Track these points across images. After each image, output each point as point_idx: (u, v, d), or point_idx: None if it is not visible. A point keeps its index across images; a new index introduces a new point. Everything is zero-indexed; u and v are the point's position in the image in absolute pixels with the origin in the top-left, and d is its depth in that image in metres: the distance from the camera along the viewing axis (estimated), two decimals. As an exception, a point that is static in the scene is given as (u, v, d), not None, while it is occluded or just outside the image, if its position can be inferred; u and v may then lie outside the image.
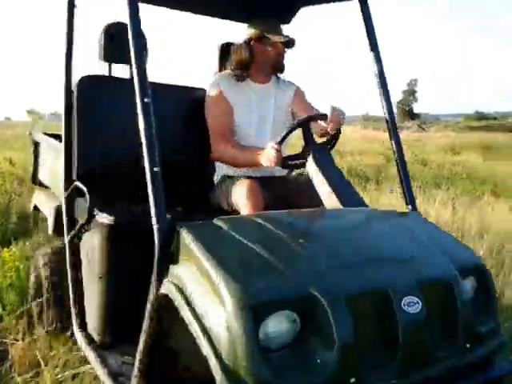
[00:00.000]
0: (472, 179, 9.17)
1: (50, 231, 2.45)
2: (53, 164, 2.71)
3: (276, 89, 2.50)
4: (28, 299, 2.61)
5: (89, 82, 2.26)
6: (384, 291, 1.34)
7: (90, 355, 1.92)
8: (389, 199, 5.97)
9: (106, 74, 2.41)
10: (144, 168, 2.22)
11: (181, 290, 1.34)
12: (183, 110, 2.54)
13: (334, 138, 2.10)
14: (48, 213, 2.53)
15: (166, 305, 1.40)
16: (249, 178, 2.20)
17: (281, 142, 2.05)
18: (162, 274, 1.42)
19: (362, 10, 2.12)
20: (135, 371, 1.52)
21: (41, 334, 2.38)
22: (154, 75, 2.50)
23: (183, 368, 1.54)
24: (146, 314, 1.46)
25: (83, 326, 2.08)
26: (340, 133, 2.09)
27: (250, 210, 1.97)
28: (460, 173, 9.81)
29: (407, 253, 1.57)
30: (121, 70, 2.43)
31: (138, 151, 2.27)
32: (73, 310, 2.13)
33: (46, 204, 2.67)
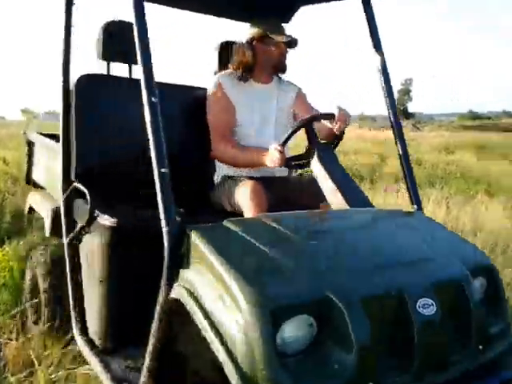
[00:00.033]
0: (466, 178, 9.21)
1: (48, 233, 2.40)
2: (48, 164, 2.68)
3: (278, 89, 2.49)
4: (22, 299, 2.61)
5: (87, 80, 2.23)
6: (399, 293, 1.32)
7: (93, 360, 1.88)
8: (383, 198, 5.99)
9: (105, 72, 2.38)
10: (144, 167, 2.20)
11: (192, 295, 1.31)
12: (183, 109, 2.51)
13: (337, 138, 2.08)
14: (45, 214, 2.48)
15: (175, 309, 1.38)
16: (250, 178, 2.18)
17: (284, 143, 2.02)
18: (172, 277, 1.39)
19: (364, 10, 2.11)
20: (144, 376, 1.49)
21: (35, 333, 2.37)
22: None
23: (192, 372, 1.51)
24: (155, 318, 1.43)
25: (84, 330, 2.04)
26: (344, 133, 2.07)
27: (253, 212, 1.95)
28: (454, 172, 9.85)
29: (419, 254, 1.56)
30: (120, 69, 2.42)
31: (137, 150, 2.26)
32: (73, 314, 2.08)
33: (43, 205, 2.62)
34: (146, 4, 1.54)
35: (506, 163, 12.50)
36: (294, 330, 1.21)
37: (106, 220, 1.87)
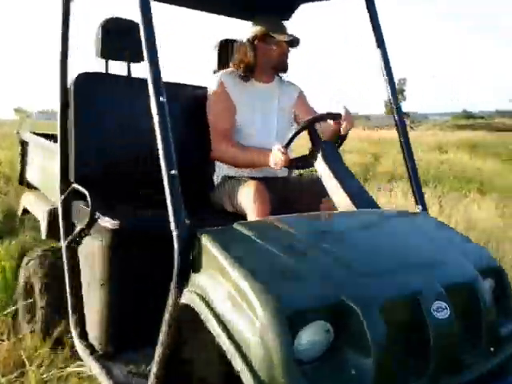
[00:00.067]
0: (459, 177, 9.26)
1: (44, 236, 2.35)
2: (43, 164, 2.65)
3: (279, 89, 2.48)
4: (14, 299, 2.59)
5: (86, 79, 2.19)
6: (414, 297, 1.31)
7: (93, 365, 1.83)
8: (376, 197, 6.00)
9: (103, 71, 2.33)
10: (144, 167, 2.17)
11: (204, 300, 1.27)
12: (183, 108, 2.48)
13: (341, 138, 2.05)
14: (41, 216, 2.42)
15: (185, 315, 1.35)
16: (251, 178, 2.16)
17: (288, 144, 1.99)
18: (183, 282, 1.35)
19: (367, 8, 2.08)
20: (151, 383, 1.44)
21: (26, 333, 2.36)
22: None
23: (198, 380, 1.49)
24: (164, 324, 1.39)
25: (83, 334, 1.99)
26: (347, 134, 2.04)
27: (257, 212, 1.93)
28: (447, 171, 9.90)
29: (430, 256, 1.55)
30: (118, 68, 2.38)
31: (137, 150, 2.24)
32: (71, 318, 2.03)
33: (38, 207, 2.58)
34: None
35: (498, 162, 12.59)
36: (311, 337, 1.19)
37: (107, 222, 1.82)
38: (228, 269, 1.26)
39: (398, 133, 2.03)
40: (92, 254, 1.91)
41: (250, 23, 2.43)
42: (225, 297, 1.25)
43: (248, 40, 2.35)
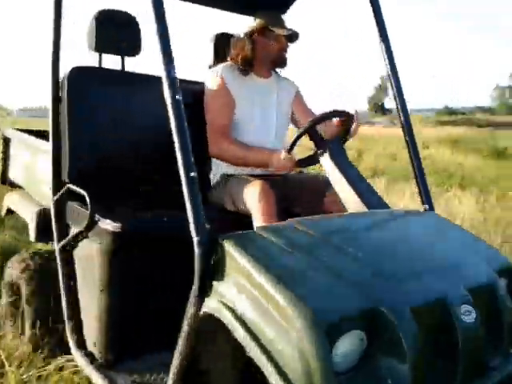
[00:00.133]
0: (440, 173, 9.38)
1: (33, 238, 2.22)
2: (28, 162, 2.55)
3: (278, 84, 2.44)
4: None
5: (79, 73, 2.12)
6: (442, 301, 1.30)
7: (94, 375, 1.73)
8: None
9: (97, 65, 2.25)
10: (140, 164, 2.10)
11: (231, 309, 1.21)
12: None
13: (345, 137, 2.03)
14: (29, 218, 2.28)
15: (205, 324, 1.29)
16: (252, 176, 2.13)
17: (292, 146, 1.96)
18: (205, 290, 1.28)
19: (370, 2, 2.03)
20: None
21: (5, 332, 2.32)
22: (145, 67, 2.40)
23: None
24: (183, 335, 1.32)
25: (81, 342, 1.89)
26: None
27: (262, 213, 1.89)
28: (429, 166, 10.03)
29: (449, 258, 1.53)
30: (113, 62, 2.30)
31: (132, 146, 2.14)
32: (68, 325, 1.92)
33: (24, 207, 2.44)
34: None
35: (479, 157, 12.78)
36: (347, 347, 1.16)
37: (108, 225, 1.73)
38: (254, 275, 1.20)
39: (403, 132, 2.00)
40: (90, 257, 1.82)
41: (245, 17, 2.39)
42: (253, 305, 1.19)
43: (246, 34, 2.31)
